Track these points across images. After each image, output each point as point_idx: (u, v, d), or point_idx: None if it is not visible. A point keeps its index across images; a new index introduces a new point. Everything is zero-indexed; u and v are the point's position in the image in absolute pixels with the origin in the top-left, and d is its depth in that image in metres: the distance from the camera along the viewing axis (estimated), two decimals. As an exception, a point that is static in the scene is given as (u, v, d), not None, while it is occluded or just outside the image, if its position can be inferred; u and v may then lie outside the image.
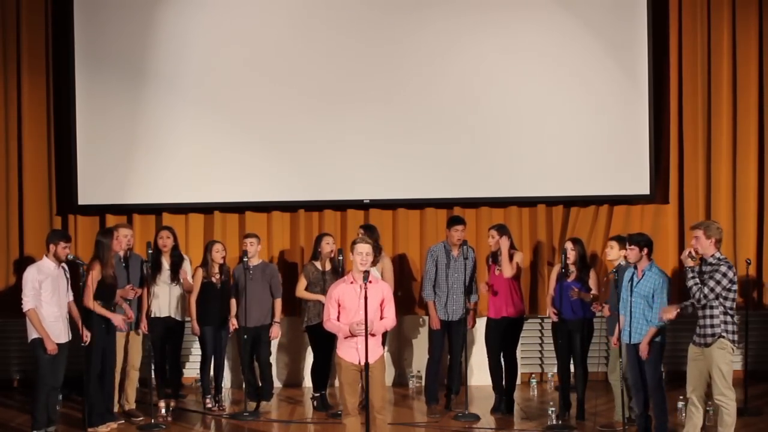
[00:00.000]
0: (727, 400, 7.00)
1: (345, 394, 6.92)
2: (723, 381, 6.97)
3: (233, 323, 8.78)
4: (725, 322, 6.97)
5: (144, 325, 8.61)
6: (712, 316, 6.97)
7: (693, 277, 6.99)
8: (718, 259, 7.00)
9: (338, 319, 6.93)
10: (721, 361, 6.97)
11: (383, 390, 7.01)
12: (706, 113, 9.98)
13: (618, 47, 9.84)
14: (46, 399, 7.73)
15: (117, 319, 8.12)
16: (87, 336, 7.83)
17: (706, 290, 6.92)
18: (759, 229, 10.00)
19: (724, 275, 6.93)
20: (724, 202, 9.96)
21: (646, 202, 10.02)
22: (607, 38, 9.85)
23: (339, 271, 8.73)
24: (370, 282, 6.80)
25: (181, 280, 8.80)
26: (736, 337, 7.04)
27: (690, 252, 7.02)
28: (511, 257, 8.58)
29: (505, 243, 8.57)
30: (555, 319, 8.41)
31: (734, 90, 9.97)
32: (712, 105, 9.96)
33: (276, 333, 8.93)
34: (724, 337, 6.96)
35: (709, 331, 6.98)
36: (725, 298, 6.95)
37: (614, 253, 8.12)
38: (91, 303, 7.94)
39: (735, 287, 7.00)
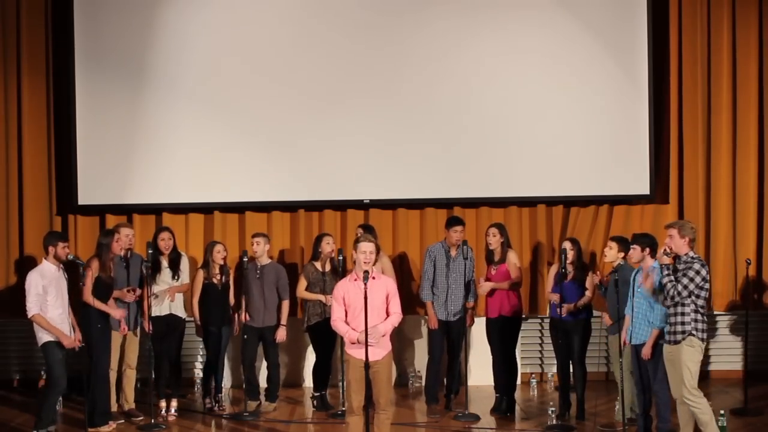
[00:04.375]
0: (695, 399, 7.05)
1: (351, 392, 6.91)
2: (689, 380, 7.03)
3: (245, 317, 8.74)
4: (696, 320, 7.03)
5: (147, 325, 8.60)
6: (683, 314, 7.03)
7: (668, 275, 7.06)
8: (692, 257, 7.09)
9: (346, 317, 6.93)
10: (689, 359, 7.02)
11: (389, 388, 7.01)
12: (706, 113, 9.98)
13: (618, 47, 9.84)
14: (54, 400, 7.76)
15: (117, 312, 8.16)
16: (79, 337, 7.84)
17: (679, 287, 6.99)
18: (759, 229, 10.00)
19: (697, 273, 7.00)
20: (724, 202, 9.97)
21: (646, 202, 10.02)
22: (608, 38, 9.85)
23: (339, 271, 8.73)
24: (373, 278, 6.82)
25: (168, 297, 8.75)
26: (705, 336, 7.10)
27: (665, 250, 7.10)
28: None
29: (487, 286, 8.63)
30: (556, 299, 8.34)
31: (734, 90, 9.97)
32: (712, 105, 9.97)
33: (282, 336, 8.91)
34: (694, 335, 7.02)
35: (679, 328, 7.04)
36: (697, 296, 7.02)
37: (612, 254, 8.12)
38: (90, 299, 7.97)
39: (707, 286, 7.09)
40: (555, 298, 8.37)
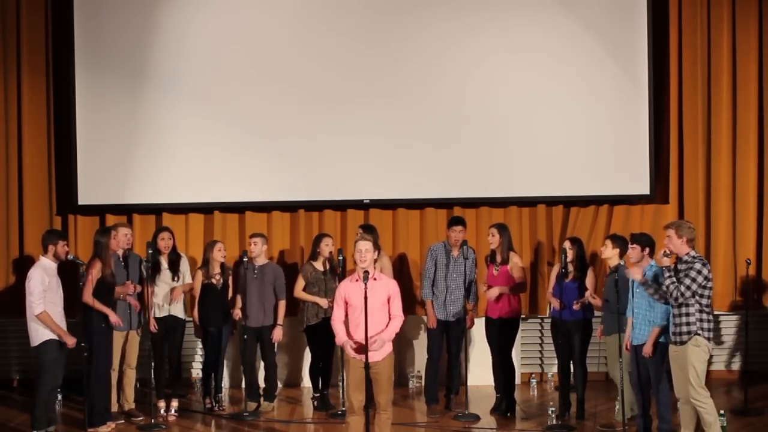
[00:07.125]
0: (702, 399, 7.02)
1: (351, 392, 6.92)
2: (696, 380, 7.00)
3: (237, 314, 8.76)
4: (701, 320, 7.00)
5: (153, 325, 8.60)
6: (688, 314, 7.00)
7: (669, 276, 7.03)
8: (693, 257, 7.05)
9: (346, 316, 6.96)
10: (695, 359, 7.00)
11: (389, 389, 7.01)
12: (706, 113, 9.98)
13: (618, 47, 9.85)
14: (46, 399, 7.74)
15: (113, 316, 8.15)
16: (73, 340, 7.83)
17: (682, 288, 6.95)
18: (759, 229, 10.00)
19: (699, 272, 6.96)
20: (724, 202, 9.97)
21: (646, 202, 10.02)
22: (608, 38, 9.85)
23: (338, 271, 8.72)
24: (375, 279, 6.83)
25: (173, 300, 8.76)
26: (711, 335, 7.07)
27: (664, 251, 7.07)
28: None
29: (494, 293, 8.59)
30: (556, 305, 8.37)
31: (734, 90, 9.97)
32: (712, 105, 9.97)
33: (278, 336, 8.91)
34: (699, 334, 6.99)
35: (685, 329, 7.01)
36: (701, 296, 6.99)
37: (608, 252, 8.09)
38: (90, 299, 7.96)
39: (710, 284, 7.04)
40: (555, 303, 8.38)
